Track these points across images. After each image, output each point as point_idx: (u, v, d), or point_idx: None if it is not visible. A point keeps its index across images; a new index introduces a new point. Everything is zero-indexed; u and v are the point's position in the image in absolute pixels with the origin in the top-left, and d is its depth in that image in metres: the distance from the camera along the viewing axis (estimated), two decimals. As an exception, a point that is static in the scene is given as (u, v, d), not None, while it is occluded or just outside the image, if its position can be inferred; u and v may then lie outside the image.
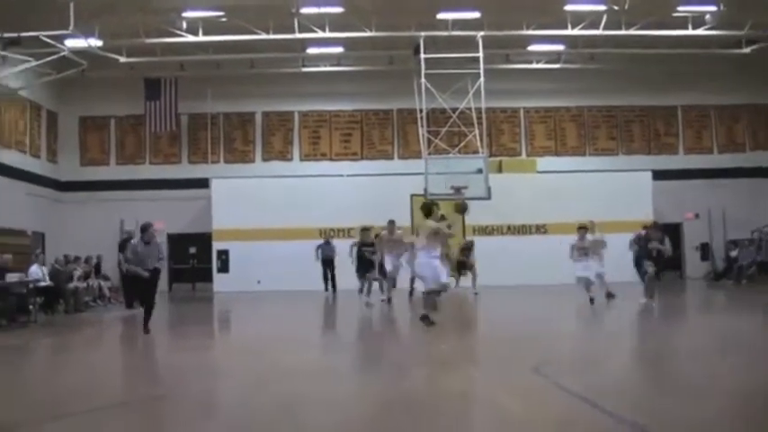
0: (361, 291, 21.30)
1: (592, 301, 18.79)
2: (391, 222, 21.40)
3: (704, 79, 31.96)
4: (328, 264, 26.93)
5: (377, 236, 21.56)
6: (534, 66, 31.77)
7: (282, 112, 32.57)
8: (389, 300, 20.94)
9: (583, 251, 19.35)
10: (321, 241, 27.54)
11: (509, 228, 29.85)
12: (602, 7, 26.10)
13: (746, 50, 29.50)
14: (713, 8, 26.44)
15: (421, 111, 27.70)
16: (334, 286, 27.01)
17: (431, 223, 14.26)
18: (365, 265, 21.31)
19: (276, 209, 29.25)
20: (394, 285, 21.57)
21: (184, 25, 26.45)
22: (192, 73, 30.82)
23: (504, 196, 27.37)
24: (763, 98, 33.16)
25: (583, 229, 19.64)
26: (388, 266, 21.04)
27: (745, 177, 32.39)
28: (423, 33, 27.31)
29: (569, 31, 27.32)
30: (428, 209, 14.60)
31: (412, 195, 27.17)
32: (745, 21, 27.51)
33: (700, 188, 31.45)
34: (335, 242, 27.20)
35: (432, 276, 14.13)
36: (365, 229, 22.02)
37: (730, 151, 33.30)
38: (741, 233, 30.50)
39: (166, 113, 31.08)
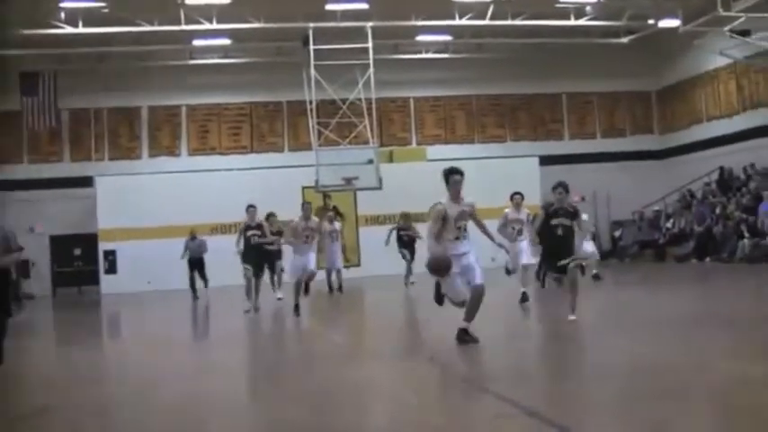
0: (248, 292, 17.64)
1: (525, 297, 15.24)
2: (307, 204, 17.60)
3: (586, 68, 32.63)
4: (196, 264, 23.64)
5: (271, 228, 18.53)
6: (423, 56, 31.96)
7: (169, 106, 31.82)
8: (297, 307, 15.79)
9: (518, 226, 15.81)
10: (188, 238, 24.09)
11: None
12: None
13: (625, 40, 30.45)
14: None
15: (311, 102, 27.58)
16: (205, 285, 23.65)
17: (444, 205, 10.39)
18: (257, 258, 17.71)
19: (165, 206, 28.45)
20: (307, 290, 17.03)
21: (63, 16, 25.58)
22: (73, 67, 29.73)
23: (395, 186, 27.40)
24: (641, 85, 34.45)
25: (518, 195, 16.47)
26: (301, 263, 16.26)
27: (627, 161, 33.44)
28: (311, 24, 27.17)
29: (457, 22, 27.57)
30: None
31: (303, 188, 27.03)
32: (624, 12, 28.29)
33: (585, 172, 32.06)
34: (226, 240, 23.73)
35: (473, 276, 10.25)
36: (252, 208, 18.08)
37: (612, 136, 34.28)
38: (624, 214, 31.75)
39: (45, 109, 29.74)
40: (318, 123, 27.75)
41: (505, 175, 29.70)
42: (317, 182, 25.50)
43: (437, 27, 28.95)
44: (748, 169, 28.49)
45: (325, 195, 27.55)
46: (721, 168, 29.92)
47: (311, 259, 16.57)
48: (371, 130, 27.66)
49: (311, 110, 27.53)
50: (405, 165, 30.01)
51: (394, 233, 23.07)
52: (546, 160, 31.22)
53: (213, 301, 22.67)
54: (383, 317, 17.03)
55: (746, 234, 24.79)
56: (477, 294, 10.12)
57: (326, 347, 12.01)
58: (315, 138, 27.58)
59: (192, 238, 24.05)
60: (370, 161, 26.57)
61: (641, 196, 31.71)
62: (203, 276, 23.79)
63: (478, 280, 10.11)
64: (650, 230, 30.91)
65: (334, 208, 27.10)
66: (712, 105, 31.44)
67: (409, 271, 22.67)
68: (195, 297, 23.11)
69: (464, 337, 10.04)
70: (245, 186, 28.18)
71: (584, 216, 15.71)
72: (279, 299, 19.73)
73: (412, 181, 28.81)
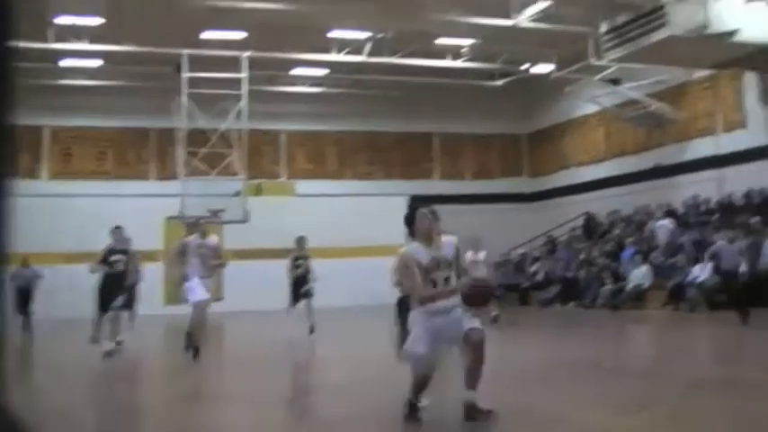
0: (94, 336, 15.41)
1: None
2: (196, 222, 15.42)
3: (460, 108, 32.96)
4: (23, 294, 21.76)
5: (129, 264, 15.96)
6: (298, 89, 31.70)
7: (32, 127, 30.53)
8: (196, 350, 13.69)
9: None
10: (18, 266, 22.08)
11: (268, 251, 29.44)
12: (366, 34, 26.37)
13: (499, 83, 30.80)
14: (471, 41, 27.34)
15: (181, 131, 26.97)
16: (29, 321, 21.67)
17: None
18: (113, 288, 15.35)
19: (20, 232, 27.09)
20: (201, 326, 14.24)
21: None
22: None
23: (262, 219, 26.94)
24: (513, 128, 35.12)
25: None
26: (195, 295, 14.02)
27: (496, 203, 33.78)
28: (186, 51, 26.56)
29: (333, 57, 27.43)
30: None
31: (168, 218, 26.31)
32: (499, 55, 28.67)
33: (454, 213, 32.13)
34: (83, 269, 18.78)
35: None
36: (118, 228, 16.00)
37: (483, 178, 34.64)
38: (493, 256, 31.77)
39: None
40: (188, 153, 27.12)
41: (374, 213, 29.76)
42: (181, 212, 24.80)
43: (314, 61, 28.76)
44: (612, 216, 29.17)
45: (194, 225, 26.82)
46: (587, 214, 30.51)
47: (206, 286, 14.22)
48: (241, 162, 27.21)
49: (181, 138, 26.91)
50: (273, 199, 29.64)
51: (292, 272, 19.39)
52: (416, 200, 31.22)
53: (52, 335, 21.47)
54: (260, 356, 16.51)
55: (609, 280, 25.23)
56: (478, 342, 7.33)
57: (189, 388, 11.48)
58: (183, 167, 26.94)
59: (24, 266, 22.40)
60: (238, 193, 26.10)
61: (509, 239, 32.04)
62: (28, 309, 22.14)
63: (472, 323, 7.45)
64: (515, 274, 31.23)
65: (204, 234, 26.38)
66: (581, 151, 32.16)
67: (308, 309, 18.97)
68: (25, 329, 21.29)
69: (474, 414, 7.31)
70: (107, 214, 27.19)
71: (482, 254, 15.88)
72: (118, 343, 15.35)
73: (280, 215, 28.51)
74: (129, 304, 17.21)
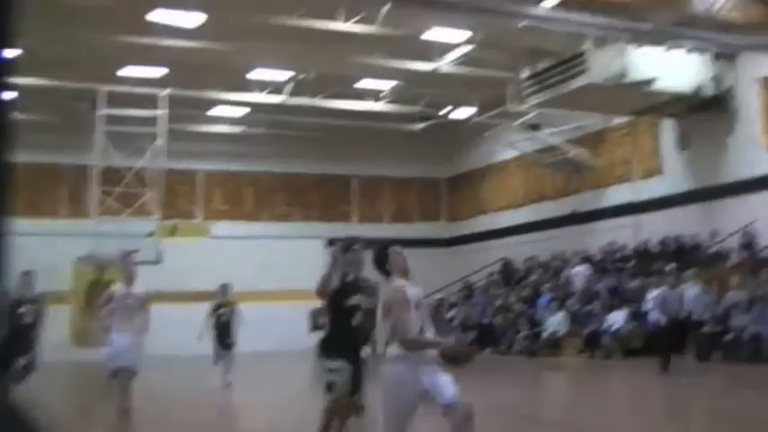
0: None
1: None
2: (127, 256, 13.73)
3: (379, 151, 32.93)
4: None
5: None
6: (217, 128, 31.26)
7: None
8: (126, 412, 12.06)
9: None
10: None
11: (182, 294, 28.78)
12: (287, 74, 26.18)
13: (419, 126, 30.87)
14: (392, 83, 27.35)
15: (95, 168, 26.34)
16: None
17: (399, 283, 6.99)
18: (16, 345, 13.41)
19: None
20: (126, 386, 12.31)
21: None
22: None
23: (176, 261, 26.38)
24: (432, 172, 35.09)
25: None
26: (118, 359, 12.19)
27: (414, 247, 33.43)
28: (103, 87, 25.98)
29: (254, 97, 27.16)
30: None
31: (78, 258, 25.57)
32: (420, 98, 28.71)
33: (371, 256, 32.02)
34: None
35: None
36: (27, 273, 14.13)
37: (401, 221, 34.45)
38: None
39: None
40: (102, 191, 26.48)
41: (290, 256, 29.38)
42: (93, 253, 24.15)
43: (234, 101, 28.42)
44: (529, 262, 29.24)
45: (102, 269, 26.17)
46: (504, 260, 30.53)
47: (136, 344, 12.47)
48: (156, 201, 26.68)
49: (95, 176, 26.28)
50: (187, 240, 29.07)
51: (211, 320, 17.95)
52: (333, 243, 30.94)
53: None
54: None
55: (525, 327, 25.19)
56: (466, 416, 6.28)
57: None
58: (95, 206, 26.27)
59: None
60: (152, 234, 25.55)
61: (427, 284, 31.56)
62: None
63: (456, 395, 6.29)
64: (432, 319, 30.93)
65: (110, 282, 25.69)
66: (499, 196, 32.27)
67: (228, 363, 17.67)
68: None
69: None
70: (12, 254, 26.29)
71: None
72: None
73: (194, 257, 27.97)
74: (30, 367, 14.23)
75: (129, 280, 12.74)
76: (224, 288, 18.41)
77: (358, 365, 8.41)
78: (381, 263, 7.18)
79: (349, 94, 27.85)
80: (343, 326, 8.45)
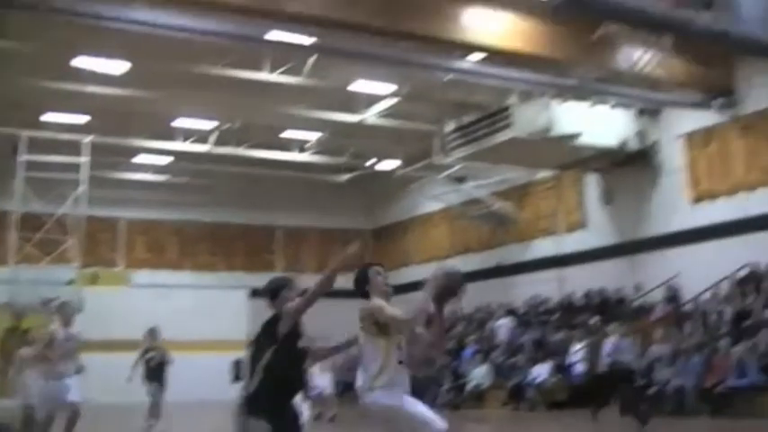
0: None
1: None
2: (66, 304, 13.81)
3: (304, 202, 32.92)
4: None
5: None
6: (140, 176, 30.92)
7: None
8: None
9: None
10: None
11: (103, 343, 28.20)
12: (212, 123, 26.08)
13: (344, 178, 30.93)
14: (317, 135, 27.43)
15: (14, 214, 25.84)
16: None
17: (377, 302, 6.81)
18: None
19: None
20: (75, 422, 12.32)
21: None
22: None
23: (97, 310, 25.82)
24: (357, 224, 34.87)
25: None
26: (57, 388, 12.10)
27: (339, 298, 33.24)
28: (24, 132, 25.56)
29: (178, 145, 27.00)
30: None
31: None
32: (345, 149, 28.82)
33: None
34: None
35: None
36: None
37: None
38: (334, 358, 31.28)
39: None
40: (21, 238, 25.96)
41: (213, 306, 29.03)
42: (10, 301, 23.61)
43: (158, 149, 28.13)
44: (454, 314, 29.20)
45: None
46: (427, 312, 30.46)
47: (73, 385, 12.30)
48: (77, 249, 26.22)
49: (14, 222, 25.77)
50: (108, 288, 28.52)
51: (140, 364, 17.37)
52: (257, 293, 30.67)
53: None
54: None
55: (449, 379, 25.10)
56: None
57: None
58: (14, 252, 25.72)
59: None
60: (72, 282, 25.08)
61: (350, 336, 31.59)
62: None
63: (440, 424, 6.45)
64: (350, 373, 30.59)
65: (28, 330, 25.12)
66: (424, 248, 32.30)
67: (155, 409, 17.17)
68: None
69: None
70: None
71: None
72: None
73: (115, 305, 27.48)
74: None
75: (68, 322, 12.48)
76: (152, 332, 17.84)
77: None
78: (362, 284, 7.01)
79: (274, 144, 27.85)
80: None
